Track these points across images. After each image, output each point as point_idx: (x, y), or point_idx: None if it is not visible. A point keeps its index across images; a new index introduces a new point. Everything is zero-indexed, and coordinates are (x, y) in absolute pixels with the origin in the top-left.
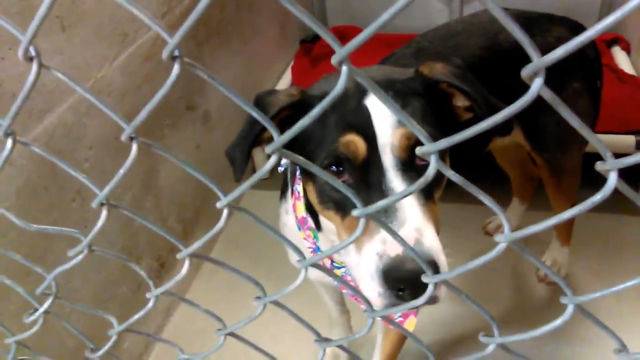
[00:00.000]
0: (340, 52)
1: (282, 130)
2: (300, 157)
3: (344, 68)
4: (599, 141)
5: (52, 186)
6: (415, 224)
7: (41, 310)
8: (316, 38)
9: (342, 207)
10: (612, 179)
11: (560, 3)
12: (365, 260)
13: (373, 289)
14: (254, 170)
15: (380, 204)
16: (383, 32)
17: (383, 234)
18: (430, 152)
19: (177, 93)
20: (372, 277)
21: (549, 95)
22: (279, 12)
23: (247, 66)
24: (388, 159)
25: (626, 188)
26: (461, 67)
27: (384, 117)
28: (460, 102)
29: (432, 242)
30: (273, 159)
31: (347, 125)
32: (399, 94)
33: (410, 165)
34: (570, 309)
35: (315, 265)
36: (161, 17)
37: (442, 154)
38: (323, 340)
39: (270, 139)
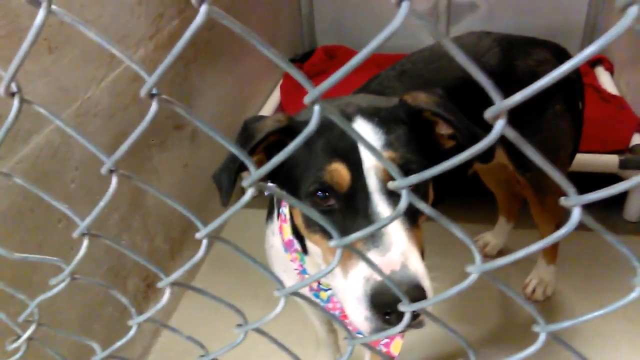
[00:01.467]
0: (313, 92)
1: (269, 155)
2: (278, 190)
3: (316, 107)
4: (562, 177)
5: (38, 208)
6: (401, 248)
7: (24, 337)
8: (305, 57)
9: (328, 232)
10: (576, 214)
11: (545, 25)
12: (352, 285)
13: (360, 313)
14: (242, 191)
15: (355, 235)
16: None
17: (369, 258)
18: (401, 187)
19: (165, 113)
20: (359, 301)
21: (512, 136)
22: (268, 32)
23: (236, 85)
24: (373, 183)
25: (592, 222)
26: (443, 97)
27: (370, 142)
28: (444, 130)
29: (417, 267)
30: (250, 192)
31: (332, 152)
32: (383, 121)
33: (394, 190)
34: (542, 337)
35: (295, 294)
36: (149, 38)
37: (424, 183)
38: None
39: (260, 161)
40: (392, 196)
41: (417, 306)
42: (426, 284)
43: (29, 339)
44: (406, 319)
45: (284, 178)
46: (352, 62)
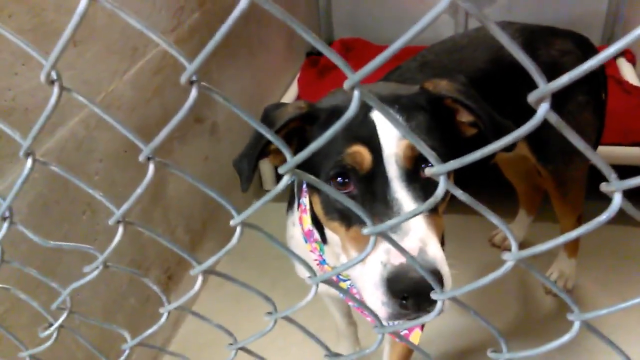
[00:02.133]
0: (353, 77)
1: (289, 142)
2: (312, 177)
3: (356, 93)
4: (603, 162)
5: (63, 199)
6: (419, 234)
7: (56, 325)
8: None
9: (347, 218)
10: (617, 200)
11: (566, 15)
12: (369, 270)
13: (377, 299)
14: (260, 181)
15: (391, 222)
16: (390, 45)
17: (387, 243)
18: (440, 173)
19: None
20: (376, 286)
21: (555, 120)
22: (286, 25)
23: (255, 79)
24: (393, 170)
25: (631, 208)
26: (465, 84)
27: (389, 129)
28: (465, 117)
29: (435, 252)
30: (286, 179)
31: (353, 137)
32: (404, 108)
33: (415, 176)
34: (576, 325)
35: (326, 282)
36: (171, 31)
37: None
38: (333, 355)
39: (277, 151)
40: (412, 183)
41: (448, 295)
42: (444, 270)
43: (61, 326)
44: (438, 306)
45: (304, 166)
46: (393, 47)
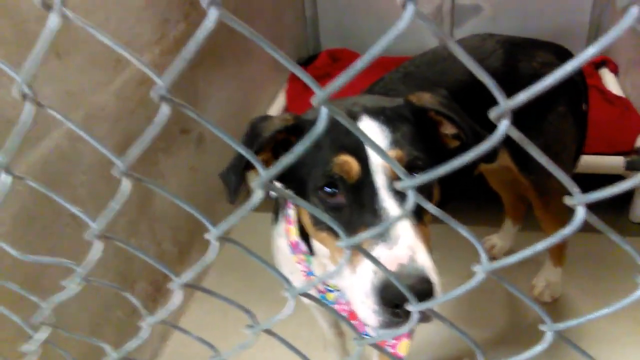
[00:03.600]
0: (320, 94)
1: (276, 155)
2: (287, 191)
3: (323, 109)
4: (565, 176)
5: (48, 212)
6: (408, 242)
7: (40, 339)
8: (310, 60)
9: (336, 230)
10: (580, 213)
11: (549, 27)
12: (360, 279)
13: (368, 307)
14: (248, 193)
15: (364, 235)
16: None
17: (377, 251)
18: (408, 187)
19: (171, 118)
20: (367, 295)
21: (516, 136)
22: (274, 35)
23: (242, 89)
24: (380, 180)
25: (597, 221)
26: (447, 97)
27: (376, 140)
28: (448, 130)
29: (425, 260)
30: (259, 193)
31: (340, 147)
32: (389, 119)
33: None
34: (549, 336)
35: (303, 295)
36: (155, 43)
37: (429, 183)
38: None
39: (267, 161)
40: (399, 192)
41: (424, 306)
42: (434, 277)
43: (42, 341)
44: (414, 318)
45: (289, 177)
46: (358, 64)
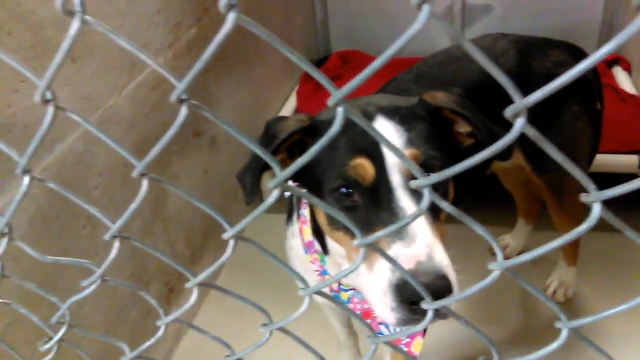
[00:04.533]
0: (336, 94)
1: (291, 155)
2: (303, 191)
3: (339, 109)
4: (582, 174)
5: (64, 214)
6: (425, 240)
7: (56, 339)
8: (320, 63)
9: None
10: (596, 210)
11: (560, 26)
12: (377, 277)
13: (386, 305)
14: (261, 195)
15: (378, 234)
16: None
17: (395, 249)
18: (423, 186)
19: (185, 120)
20: (384, 292)
21: (532, 133)
22: (283, 38)
23: (253, 92)
24: (396, 179)
25: (612, 218)
26: (461, 95)
27: (391, 139)
28: (462, 128)
29: (442, 258)
30: (275, 193)
31: (356, 149)
32: (404, 118)
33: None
34: (564, 333)
35: (318, 293)
36: (168, 46)
37: (445, 181)
38: None
39: (283, 161)
40: (415, 191)
41: (441, 303)
42: (452, 274)
43: (60, 340)
44: (429, 316)
45: (305, 178)
46: (374, 64)
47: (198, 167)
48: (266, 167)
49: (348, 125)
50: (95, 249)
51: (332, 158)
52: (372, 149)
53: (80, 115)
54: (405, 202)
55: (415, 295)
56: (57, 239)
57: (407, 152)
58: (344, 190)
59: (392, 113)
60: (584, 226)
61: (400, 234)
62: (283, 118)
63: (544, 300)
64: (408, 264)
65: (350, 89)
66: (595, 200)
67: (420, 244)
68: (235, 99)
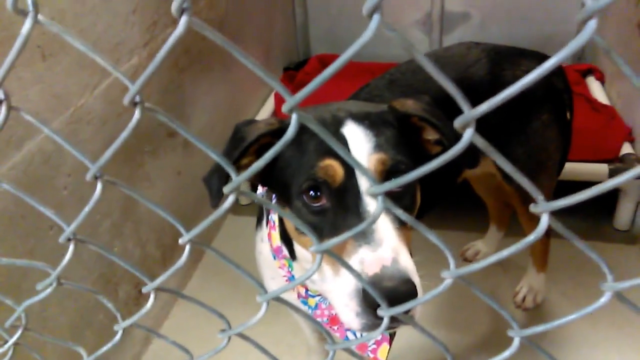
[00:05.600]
0: (290, 101)
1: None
2: (257, 195)
3: (294, 116)
4: (530, 184)
5: (30, 214)
6: (391, 244)
7: (10, 342)
8: (299, 66)
9: (319, 232)
10: (544, 220)
11: (537, 35)
12: (343, 282)
13: (351, 310)
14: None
15: (334, 241)
16: (365, 61)
17: (360, 254)
18: (377, 193)
19: (158, 120)
20: (350, 297)
21: (481, 143)
22: (263, 41)
23: (230, 93)
24: (364, 183)
25: (561, 228)
26: (430, 104)
27: (360, 144)
28: (430, 135)
29: (407, 262)
30: (231, 198)
31: (325, 151)
32: (373, 124)
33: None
34: (516, 341)
35: (277, 299)
36: (143, 46)
37: (412, 188)
38: None
39: (248, 166)
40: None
41: (392, 311)
42: (416, 279)
43: (16, 344)
44: (385, 322)
45: (275, 181)
46: (325, 73)
47: (171, 168)
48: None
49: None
50: (62, 250)
51: (300, 161)
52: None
53: (38, 116)
54: (372, 207)
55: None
56: (22, 240)
57: (376, 155)
58: (312, 193)
59: (361, 118)
60: (531, 237)
61: (366, 238)
62: (252, 121)
63: (496, 308)
64: (373, 268)
65: (303, 96)
66: (543, 210)
67: (386, 249)
68: (212, 100)
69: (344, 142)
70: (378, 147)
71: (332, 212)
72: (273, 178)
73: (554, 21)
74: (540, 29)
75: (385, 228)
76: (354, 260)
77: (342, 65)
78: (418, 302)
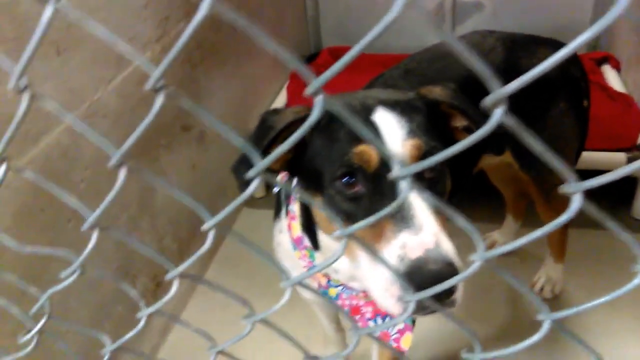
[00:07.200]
0: (314, 83)
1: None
2: (278, 179)
3: (318, 98)
4: (563, 165)
5: (48, 208)
6: (432, 229)
7: (35, 330)
8: (311, 58)
9: (353, 219)
10: (577, 201)
11: (551, 23)
12: (382, 266)
13: (392, 294)
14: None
15: (358, 225)
16: (376, 53)
17: (401, 238)
18: (401, 177)
19: (172, 114)
20: (391, 281)
21: (512, 123)
22: (275, 33)
23: (243, 87)
24: (399, 170)
25: (593, 209)
26: (456, 91)
27: (392, 130)
28: (459, 122)
29: (449, 246)
30: (255, 183)
31: (358, 137)
32: (404, 110)
33: (420, 175)
34: (546, 325)
35: (301, 285)
36: (156, 40)
37: (443, 173)
38: (311, 358)
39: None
40: (418, 182)
41: (416, 297)
42: (458, 262)
43: (40, 331)
44: (411, 307)
45: (305, 170)
46: (351, 52)
47: (186, 161)
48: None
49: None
50: (80, 242)
51: (332, 149)
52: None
53: (57, 105)
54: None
55: (426, 282)
56: (42, 233)
57: (410, 141)
58: (346, 179)
59: (392, 105)
60: (564, 217)
61: (407, 223)
62: (279, 110)
63: (525, 292)
64: (417, 252)
65: (327, 78)
66: (575, 191)
67: (428, 233)
68: (225, 94)
69: (375, 129)
70: (412, 133)
71: (368, 198)
72: (303, 167)
73: (567, 10)
74: (553, 18)
75: (425, 214)
76: (394, 245)
77: (363, 48)
78: (445, 287)
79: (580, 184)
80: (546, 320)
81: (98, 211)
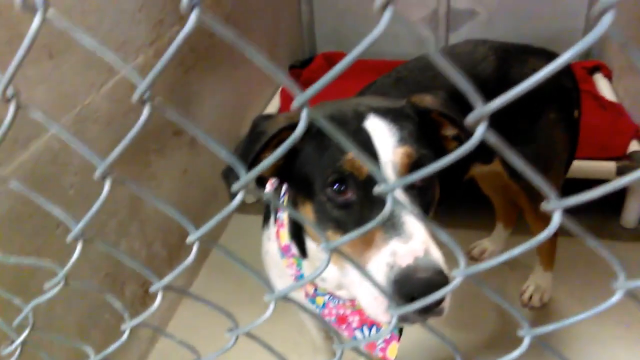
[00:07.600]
0: (300, 97)
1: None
2: (266, 194)
3: (304, 112)
4: (543, 181)
5: (37, 214)
6: (422, 238)
7: (18, 341)
8: (305, 64)
9: (343, 227)
10: (556, 218)
11: (544, 32)
12: (373, 273)
13: (382, 302)
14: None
15: (343, 239)
16: (370, 59)
17: (391, 246)
18: (386, 192)
19: (164, 119)
20: (380, 290)
21: (493, 140)
22: (269, 38)
23: (236, 91)
24: (390, 177)
25: (573, 225)
26: (447, 99)
27: (384, 137)
28: (449, 131)
29: (438, 254)
30: (240, 197)
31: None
32: (396, 118)
33: (411, 184)
34: (527, 340)
35: (285, 298)
36: (149, 44)
37: (431, 184)
38: None
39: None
40: (408, 189)
41: (428, 300)
42: (447, 271)
43: (23, 343)
44: (396, 317)
45: (296, 177)
46: (337, 67)
47: (178, 167)
48: (252, 165)
49: (340, 125)
50: (68, 249)
51: (323, 156)
52: (365, 146)
53: (43, 115)
54: (400, 199)
55: (415, 290)
56: (30, 239)
57: (401, 149)
58: (337, 186)
59: (384, 113)
60: (543, 234)
61: (396, 231)
62: (270, 116)
63: (506, 307)
64: (407, 260)
65: (313, 93)
66: (555, 208)
67: (418, 241)
68: (218, 98)
69: (367, 136)
70: (403, 141)
71: (358, 205)
72: (294, 174)
73: (561, 17)
74: (547, 25)
75: (414, 222)
76: (384, 253)
77: (352, 61)
78: (425, 303)
79: (561, 202)
80: (526, 336)
81: (82, 223)
